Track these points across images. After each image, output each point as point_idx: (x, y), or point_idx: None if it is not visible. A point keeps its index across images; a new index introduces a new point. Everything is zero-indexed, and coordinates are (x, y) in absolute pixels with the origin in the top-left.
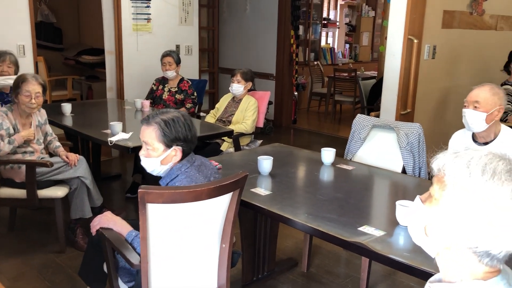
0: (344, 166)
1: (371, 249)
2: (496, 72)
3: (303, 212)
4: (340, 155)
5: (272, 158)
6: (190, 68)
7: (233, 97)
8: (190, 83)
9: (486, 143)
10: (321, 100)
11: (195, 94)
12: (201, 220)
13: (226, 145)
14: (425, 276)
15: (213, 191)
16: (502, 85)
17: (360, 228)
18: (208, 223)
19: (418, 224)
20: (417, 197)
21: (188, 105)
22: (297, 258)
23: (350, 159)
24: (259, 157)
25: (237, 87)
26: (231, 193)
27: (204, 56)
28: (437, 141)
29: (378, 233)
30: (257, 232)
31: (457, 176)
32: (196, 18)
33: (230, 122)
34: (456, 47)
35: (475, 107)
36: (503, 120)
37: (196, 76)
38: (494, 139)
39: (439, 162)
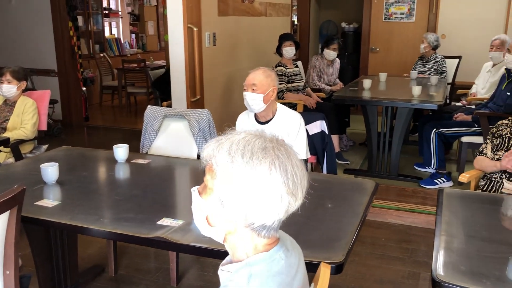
0: (140, 161)
1: (170, 241)
2: (271, 55)
3: (98, 217)
4: (138, 149)
5: (57, 164)
6: None
7: (5, 100)
8: None
9: (267, 122)
10: (113, 94)
11: None
12: None
13: (4, 156)
14: (226, 255)
15: None
16: (276, 66)
17: (159, 222)
18: None
19: (200, 216)
20: (194, 188)
21: None
22: (103, 264)
23: (146, 153)
24: (41, 165)
25: (8, 88)
26: (7, 212)
27: None
28: (228, 123)
29: (177, 223)
30: (52, 248)
31: (222, 163)
32: None
33: (5, 129)
34: (234, 34)
35: (253, 89)
36: (281, 98)
37: None
38: (273, 117)
39: (206, 152)
